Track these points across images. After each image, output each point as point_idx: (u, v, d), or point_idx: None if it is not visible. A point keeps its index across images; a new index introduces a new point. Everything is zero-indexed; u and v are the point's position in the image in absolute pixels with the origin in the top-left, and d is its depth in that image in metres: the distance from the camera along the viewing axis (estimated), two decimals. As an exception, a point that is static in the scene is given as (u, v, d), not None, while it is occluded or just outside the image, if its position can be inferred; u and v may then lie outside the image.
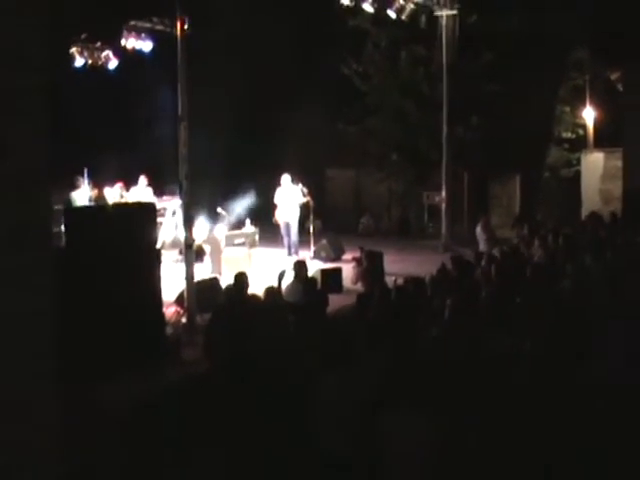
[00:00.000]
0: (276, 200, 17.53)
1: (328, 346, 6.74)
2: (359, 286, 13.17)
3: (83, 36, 17.91)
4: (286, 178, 17.51)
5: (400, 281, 10.62)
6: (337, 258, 17.44)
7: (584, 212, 19.61)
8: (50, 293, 2.43)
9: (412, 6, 17.64)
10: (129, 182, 17.64)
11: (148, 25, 16.41)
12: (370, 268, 13.21)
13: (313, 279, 10.94)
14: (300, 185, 17.57)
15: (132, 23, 16.67)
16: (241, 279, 9.59)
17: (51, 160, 2.47)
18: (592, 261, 10.43)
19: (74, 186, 16.47)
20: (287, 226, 17.48)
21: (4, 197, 2.31)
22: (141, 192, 17.21)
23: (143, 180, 17.51)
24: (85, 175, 16.52)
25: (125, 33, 17.03)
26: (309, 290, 9.86)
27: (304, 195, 17.52)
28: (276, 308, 9.27)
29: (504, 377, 6.22)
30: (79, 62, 18.43)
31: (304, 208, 17.79)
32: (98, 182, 17.29)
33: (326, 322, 9.05)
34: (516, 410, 5.71)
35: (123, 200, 16.56)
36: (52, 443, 2.47)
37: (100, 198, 16.95)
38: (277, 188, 17.57)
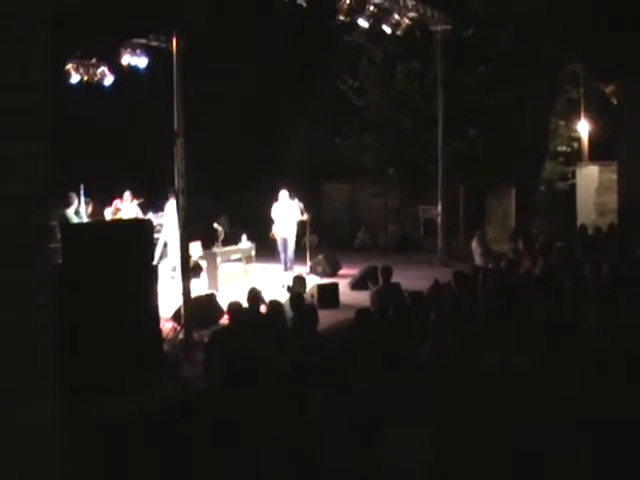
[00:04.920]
0: (273, 215, 17.52)
1: (323, 362, 6.71)
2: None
3: (78, 53, 17.94)
4: (284, 194, 17.47)
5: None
6: (333, 273, 17.45)
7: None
8: (50, 311, 2.44)
9: (407, 21, 17.71)
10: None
11: (144, 41, 16.45)
12: (387, 287, 11.88)
13: (299, 295, 10.71)
14: (296, 200, 17.55)
15: (128, 40, 16.71)
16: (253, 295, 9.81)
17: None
18: (590, 274, 10.42)
19: (68, 203, 16.40)
20: (284, 242, 17.44)
21: (4, 216, 2.31)
22: (129, 208, 17.13)
23: (128, 196, 17.40)
24: (81, 192, 16.46)
25: (121, 50, 17.07)
26: (296, 306, 9.76)
27: (302, 213, 17.49)
28: (277, 323, 9.26)
29: (499, 392, 6.20)
30: (75, 79, 18.46)
31: (301, 224, 17.77)
32: (93, 198, 17.21)
33: (316, 338, 8.94)
34: (510, 425, 5.69)
35: (119, 217, 16.49)
36: (51, 457, 2.46)
37: (96, 214, 16.87)
38: (274, 203, 17.57)
